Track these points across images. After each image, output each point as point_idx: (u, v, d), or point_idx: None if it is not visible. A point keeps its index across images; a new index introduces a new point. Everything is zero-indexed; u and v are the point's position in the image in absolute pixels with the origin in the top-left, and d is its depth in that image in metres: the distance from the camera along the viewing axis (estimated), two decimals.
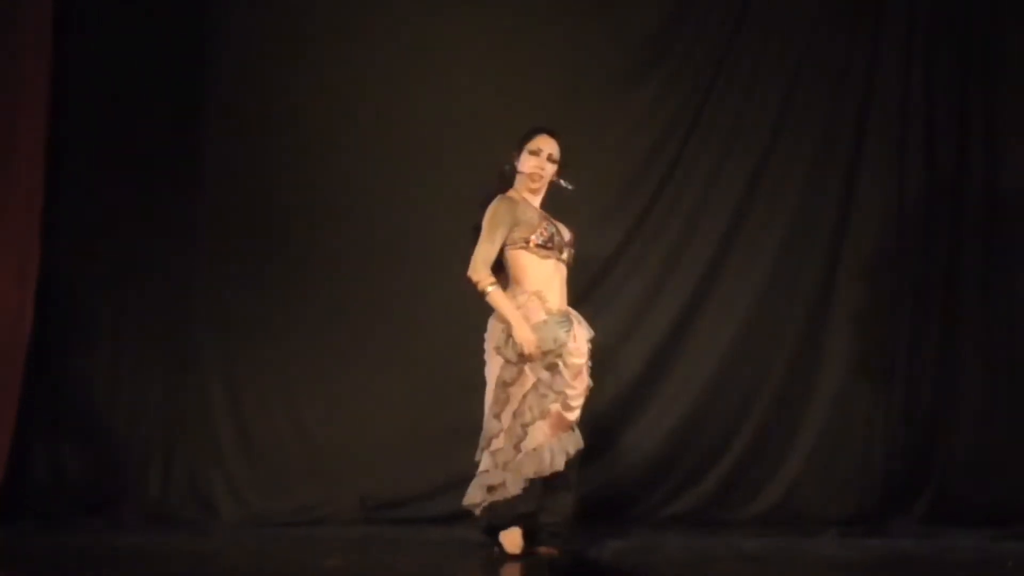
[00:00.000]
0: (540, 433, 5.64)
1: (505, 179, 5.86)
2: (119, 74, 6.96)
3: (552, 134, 5.85)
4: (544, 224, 5.76)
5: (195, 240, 7.00)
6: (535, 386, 5.65)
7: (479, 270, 5.67)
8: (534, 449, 5.62)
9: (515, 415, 5.64)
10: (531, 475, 5.61)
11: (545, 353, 5.62)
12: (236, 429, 6.93)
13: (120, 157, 6.95)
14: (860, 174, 6.93)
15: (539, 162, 5.81)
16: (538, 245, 5.73)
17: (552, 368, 5.65)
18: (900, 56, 6.93)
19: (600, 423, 6.54)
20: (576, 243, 5.88)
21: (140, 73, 6.96)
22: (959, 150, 6.92)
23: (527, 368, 5.65)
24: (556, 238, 5.77)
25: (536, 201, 5.86)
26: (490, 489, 5.63)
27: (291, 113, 7.01)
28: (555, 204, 5.94)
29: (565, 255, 5.81)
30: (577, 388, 5.73)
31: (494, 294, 5.64)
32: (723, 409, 6.88)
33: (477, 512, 5.69)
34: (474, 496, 5.67)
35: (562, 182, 5.88)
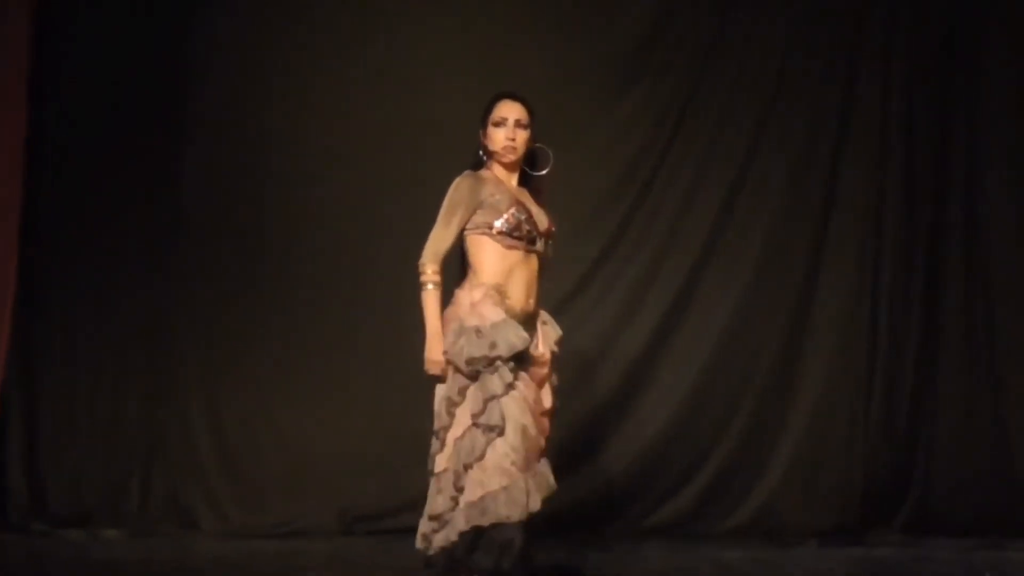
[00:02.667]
0: (482, 474, 4.78)
1: (478, 166, 5.10)
2: (97, 85, 6.93)
3: (515, 97, 5.06)
4: (513, 209, 4.93)
5: (175, 254, 6.98)
6: (478, 415, 4.82)
7: (429, 261, 4.90)
8: (480, 498, 4.76)
9: (456, 446, 4.84)
10: (469, 526, 4.76)
11: (492, 360, 4.81)
12: (216, 443, 6.91)
13: (99, 169, 6.92)
14: (839, 187, 6.96)
15: (507, 132, 4.98)
16: (502, 232, 4.91)
17: (504, 383, 4.83)
18: (879, 68, 6.95)
19: (580, 435, 6.54)
20: (553, 233, 5.09)
21: (119, 86, 6.92)
22: (939, 162, 6.95)
23: (474, 388, 4.83)
24: (526, 226, 4.93)
25: (512, 180, 5.07)
26: (432, 519, 4.87)
27: (272, 125, 6.99)
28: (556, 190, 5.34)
29: (539, 246, 4.98)
30: (546, 403, 4.99)
31: (428, 295, 4.91)
32: (703, 421, 6.89)
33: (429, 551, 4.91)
34: (424, 529, 4.91)
35: (539, 147, 5.14)
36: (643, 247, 6.98)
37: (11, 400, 6.77)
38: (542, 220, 5.03)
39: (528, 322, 4.95)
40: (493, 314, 4.86)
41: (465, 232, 4.95)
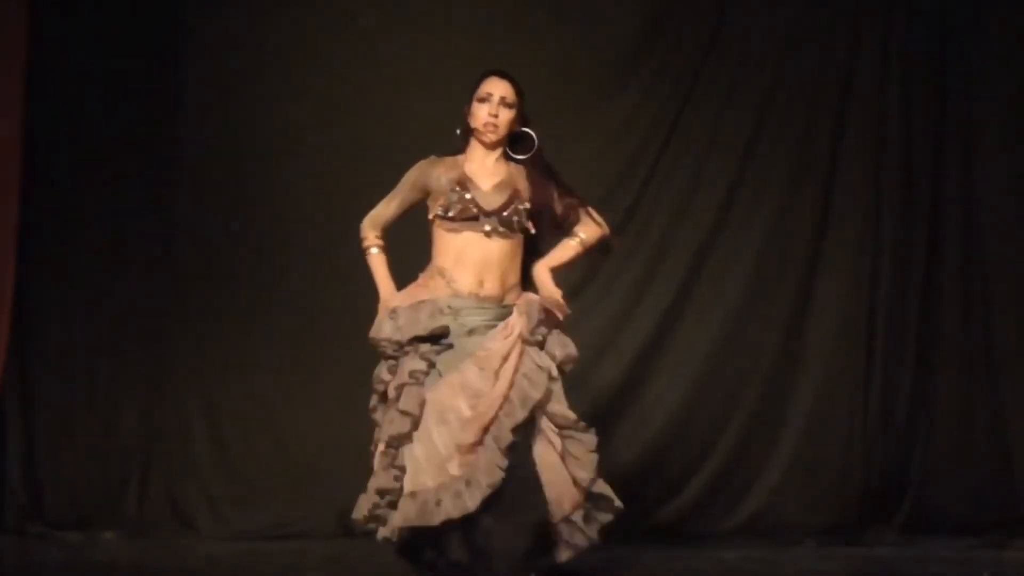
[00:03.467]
0: (416, 466, 4.66)
1: (459, 145, 5.02)
2: (93, 84, 6.93)
3: (503, 75, 4.97)
4: (450, 191, 4.80)
5: (171, 256, 6.99)
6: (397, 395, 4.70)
7: (367, 227, 4.97)
8: (411, 493, 4.63)
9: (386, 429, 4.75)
10: (403, 525, 4.64)
11: (397, 344, 4.73)
12: (214, 444, 6.91)
13: (94, 172, 6.93)
14: (836, 187, 6.95)
15: (490, 108, 4.86)
16: (439, 216, 4.82)
17: (409, 371, 4.71)
18: (877, 68, 6.94)
19: None
20: (521, 211, 4.88)
21: (115, 85, 6.93)
22: (937, 161, 6.95)
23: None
24: (461, 205, 4.77)
25: (490, 159, 4.95)
26: (379, 493, 4.74)
27: (267, 128, 6.99)
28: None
29: (487, 225, 4.79)
30: (492, 390, 4.66)
31: (372, 258, 4.94)
32: (702, 420, 6.89)
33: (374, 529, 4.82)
34: (361, 507, 4.82)
35: (524, 131, 5.00)
36: (641, 246, 6.96)
37: (8, 402, 6.77)
38: (493, 199, 4.83)
39: (487, 304, 4.79)
40: (417, 295, 4.79)
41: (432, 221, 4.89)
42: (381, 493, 4.71)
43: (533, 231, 4.94)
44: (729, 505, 6.81)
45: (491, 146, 4.94)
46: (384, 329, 4.77)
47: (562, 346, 4.90)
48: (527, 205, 4.89)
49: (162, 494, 6.87)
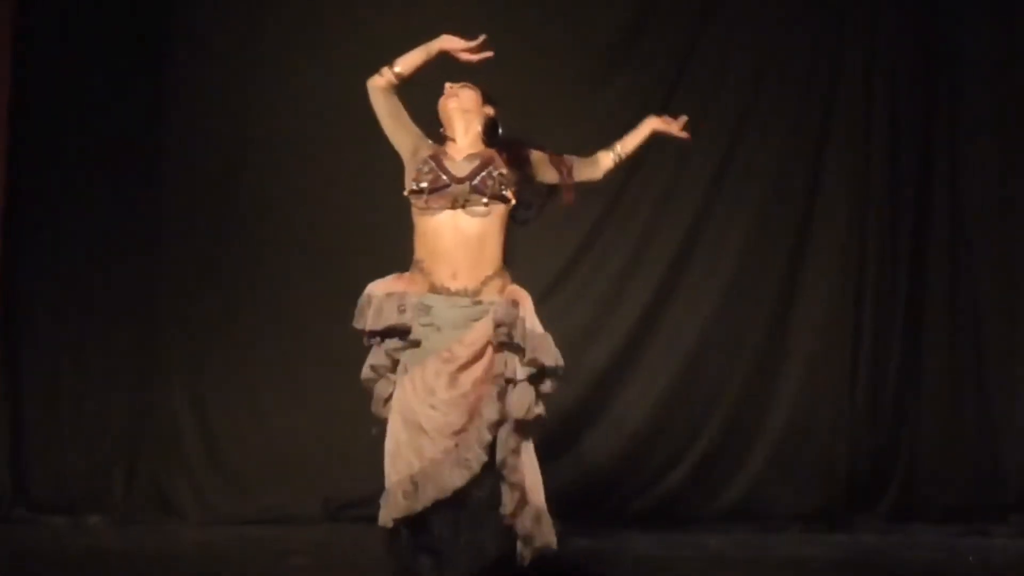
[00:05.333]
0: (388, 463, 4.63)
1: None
2: (81, 71, 6.90)
3: (467, 84, 4.94)
4: (423, 164, 4.67)
5: (158, 244, 6.97)
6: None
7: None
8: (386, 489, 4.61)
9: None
10: (380, 523, 4.63)
11: (365, 335, 4.67)
12: (200, 430, 6.90)
13: (81, 163, 6.90)
14: (823, 176, 6.97)
15: (451, 90, 4.87)
16: (412, 191, 4.66)
17: (369, 364, 4.70)
18: (864, 59, 6.96)
19: (564, 422, 6.54)
20: (499, 177, 4.71)
21: (100, 81, 6.90)
22: (924, 152, 6.97)
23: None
24: (430, 176, 4.64)
25: (466, 138, 4.85)
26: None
27: (255, 118, 6.97)
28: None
29: (457, 196, 4.61)
30: (453, 392, 4.56)
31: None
32: (687, 408, 6.89)
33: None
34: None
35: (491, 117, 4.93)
36: (626, 237, 6.97)
37: None
38: (463, 167, 4.68)
39: (458, 303, 4.62)
40: (394, 286, 4.67)
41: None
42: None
43: (513, 200, 4.74)
44: (715, 492, 6.82)
45: (463, 125, 4.84)
46: (357, 317, 4.71)
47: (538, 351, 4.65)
48: (503, 170, 4.73)
49: (148, 480, 6.86)
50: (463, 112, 4.85)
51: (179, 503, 6.81)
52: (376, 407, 4.72)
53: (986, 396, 6.86)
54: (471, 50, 4.83)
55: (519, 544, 4.57)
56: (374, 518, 6.46)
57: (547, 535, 4.60)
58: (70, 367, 6.91)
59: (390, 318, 4.62)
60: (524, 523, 4.56)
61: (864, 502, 6.74)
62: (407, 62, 4.82)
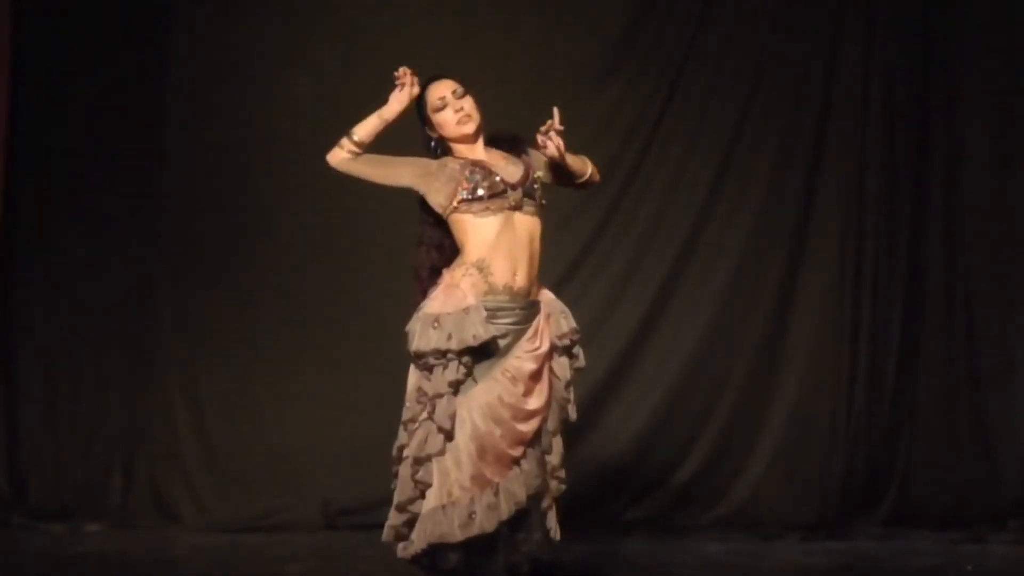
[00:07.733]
0: (446, 479, 4.53)
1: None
2: (80, 66, 6.92)
3: (437, 77, 4.83)
4: (467, 172, 4.64)
5: (156, 246, 6.98)
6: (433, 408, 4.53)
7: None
8: (441, 506, 4.53)
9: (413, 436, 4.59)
10: (432, 541, 4.53)
11: (442, 353, 4.52)
12: (198, 435, 6.91)
13: (80, 163, 6.92)
14: (821, 178, 6.95)
15: (452, 106, 4.74)
16: (465, 200, 4.61)
17: (447, 381, 4.54)
18: (860, 61, 6.94)
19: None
20: (537, 179, 4.78)
21: (100, 81, 6.93)
22: (920, 154, 6.95)
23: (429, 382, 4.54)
24: (487, 182, 4.62)
25: (477, 150, 4.81)
26: (399, 509, 4.62)
27: (254, 120, 6.98)
28: None
29: (513, 198, 4.63)
30: (527, 405, 4.60)
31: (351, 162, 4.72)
32: (686, 414, 6.88)
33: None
34: (393, 521, 4.66)
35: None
36: (625, 240, 6.97)
37: None
38: (511, 172, 4.69)
39: (519, 302, 4.65)
40: (460, 300, 4.56)
41: (448, 218, 4.68)
42: (403, 509, 4.61)
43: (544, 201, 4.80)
44: (713, 498, 6.81)
45: (474, 137, 4.80)
46: (432, 340, 4.53)
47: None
48: (539, 174, 4.80)
49: (146, 486, 6.87)
50: (477, 123, 4.80)
51: (177, 509, 6.82)
52: (441, 421, 4.56)
53: (983, 403, 6.84)
54: (412, 84, 4.73)
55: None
56: (372, 525, 6.49)
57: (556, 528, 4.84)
58: (67, 372, 6.93)
59: (483, 332, 4.53)
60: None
61: (862, 509, 6.72)
62: (364, 130, 4.75)
